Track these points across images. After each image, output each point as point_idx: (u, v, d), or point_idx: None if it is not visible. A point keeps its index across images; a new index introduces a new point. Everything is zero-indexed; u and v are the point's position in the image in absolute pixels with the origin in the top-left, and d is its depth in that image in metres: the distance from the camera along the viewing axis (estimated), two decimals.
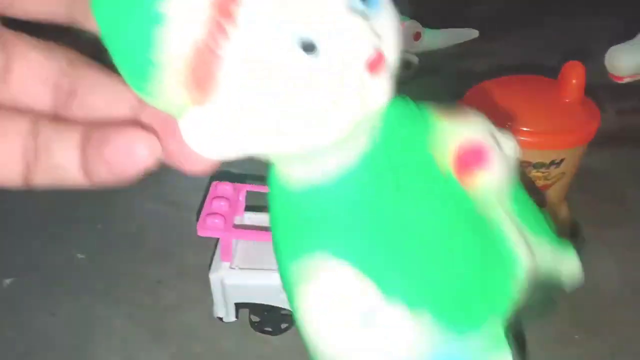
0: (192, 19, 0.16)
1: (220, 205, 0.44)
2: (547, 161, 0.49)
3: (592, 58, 0.51)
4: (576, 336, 0.49)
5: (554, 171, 0.50)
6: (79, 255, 0.58)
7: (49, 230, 0.61)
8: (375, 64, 0.18)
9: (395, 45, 0.19)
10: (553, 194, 0.52)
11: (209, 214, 0.44)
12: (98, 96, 0.20)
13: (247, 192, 0.49)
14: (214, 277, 0.45)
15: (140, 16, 0.16)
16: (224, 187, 0.46)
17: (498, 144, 0.26)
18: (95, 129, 0.18)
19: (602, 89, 0.71)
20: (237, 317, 0.48)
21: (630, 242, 0.58)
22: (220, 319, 0.48)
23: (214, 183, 0.47)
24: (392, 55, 0.19)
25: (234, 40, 0.16)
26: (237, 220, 0.48)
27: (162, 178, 0.68)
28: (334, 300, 0.22)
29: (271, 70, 0.17)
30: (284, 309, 0.47)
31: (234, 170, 0.71)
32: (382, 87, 0.19)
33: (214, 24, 0.16)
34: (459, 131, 0.25)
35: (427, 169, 0.24)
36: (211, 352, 0.48)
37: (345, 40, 0.17)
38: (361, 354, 0.23)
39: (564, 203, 0.57)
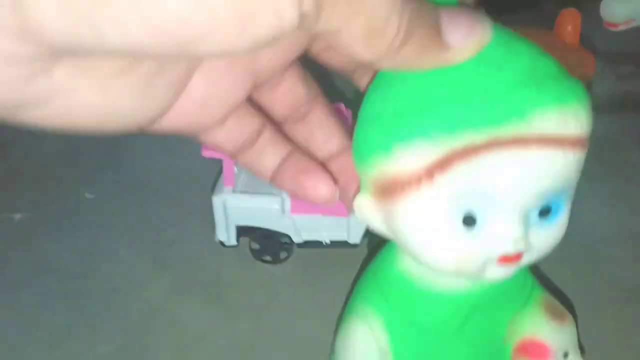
0: (411, 161, 0.22)
1: None
2: None
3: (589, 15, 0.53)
4: (568, 272, 0.50)
5: None
6: (88, 195, 0.60)
7: (59, 173, 0.63)
8: (506, 260, 0.24)
9: (539, 250, 0.25)
10: None
11: None
12: (320, 130, 0.26)
13: None
14: (216, 199, 0.46)
15: (386, 147, 0.23)
16: None
17: (568, 357, 0.30)
18: (301, 154, 0.25)
19: (602, 56, 0.72)
20: (237, 241, 0.49)
21: (622, 194, 0.59)
22: (222, 243, 0.49)
23: None
24: (531, 255, 0.25)
25: (425, 190, 0.23)
26: None
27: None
28: (358, 349, 0.31)
29: (432, 227, 0.24)
30: (284, 239, 0.49)
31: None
32: (503, 272, 0.25)
33: (413, 177, 0.22)
34: (541, 329, 0.30)
35: (496, 331, 0.30)
36: (211, 279, 0.49)
37: (501, 237, 0.24)
38: None
39: None
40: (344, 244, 0.48)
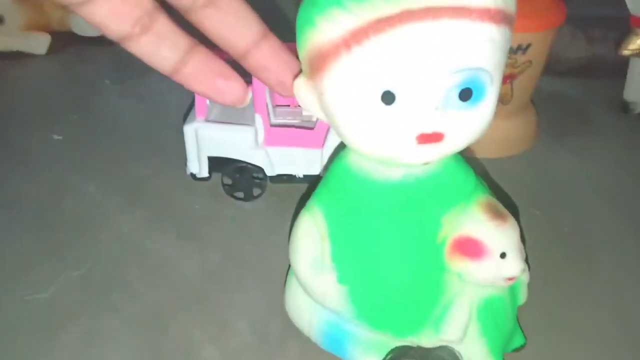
0: (330, 31, 0.24)
1: None
2: (515, 45, 0.51)
3: None
4: (537, 212, 0.51)
5: (520, 57, 0.52)
6: (56, 137, 0.58)
7: (26, 117, 0.62)
8: (424, 139, 0.26)
9: (461, 137, 0.27)
10: (520, 85, 0.54)
11: None
12: (234, 17, 0.25)
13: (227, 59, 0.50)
14: (187, 128, 0.46)
15: (309, 14, 0.25)
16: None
17: (506, 257, 0.30)
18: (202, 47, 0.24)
19: (572, 20, 0.74)
20: (209, 174, 0.49)
21: (591, 147, 0.61)
22: (193, 175, 0.49)
23: None
24: (453, 141, 0.27)
25: (340, 63, 0.24)
26: None
27: (143, 79, 0.69)
28: (302, 236, 0.33)
29: (351, 100, 0.25)
30: (257, 174, 0.48)
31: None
32: (423, 154, 0.27)
33: (333, 47, 0.24)
34: (478, 227, 0.30)
35: (431, 225, 0.31)
36: (183, 213, 0.48)
37: (417, 114, 0.25)
38: (308, 278, 0.33)
39: (530, 104, 0.60)
40: (317, 178, 0.48)
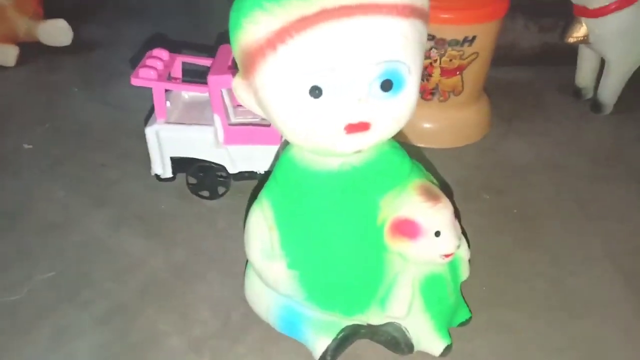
0: (255, 32, 0.27)
1: (154, 63, 0.47)
2: (461, 38, 0.54)
3: None
4: (487, 196, 0.53)
5: (467, 49, 0.55)
6: (26, 146, 0.60)
7: None
8: (352, 128, 0.28)
9: (386, 125, 0.29)
10: (470, 76, 0.57)
11: (142, 67, 0.47)
12: None
13: (183, 62, 0.52)
14: (149, 130, 0.48)
15: (237, 18, 0.28)
16: (160, 51, 0.50)
17: (440, 235, 0.33)
18: None
19: (524, 8, 0.77)
20: (173, 175, 0.50)
21: (542, 132, 0.64)
22: (158, 177, 0.51)
23: (151, 49, 0.50)
24: (379, 129, 0.29)
25: (268, 62, 0.27)
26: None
27: (109, 85, 0.71)
28: (252, 227, 0.35)
29: (282, 96, 0.28)
30: (220, 172, 0.50)
31: (172, 38, 0.74)
32: (352, 143, 0.29)
33: (260, 48, 0.27)
34: (413, 208, 0.32)
35: (370, 209, 0.33)
36: (149, 212, 0.50)
37: (343, 105, 0.28)
38: (260, 266, 0.35)
39: (483, 94, 0.62)
40: (268, 172, 0.50)
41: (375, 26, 0.26)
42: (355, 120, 0.28)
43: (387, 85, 0.28)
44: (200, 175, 0.50)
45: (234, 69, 0.47)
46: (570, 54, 0.68)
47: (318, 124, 0.28)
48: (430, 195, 0.33)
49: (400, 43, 0.27)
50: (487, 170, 0.57)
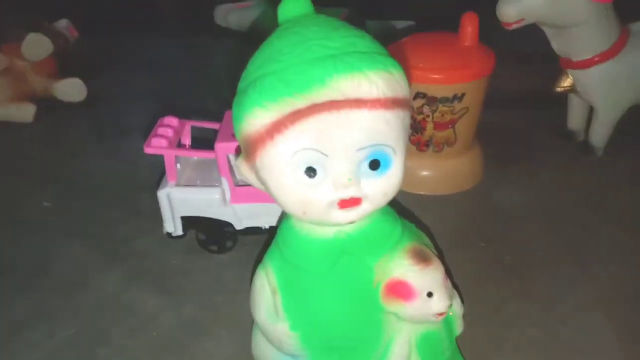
0: (255, 125, 0.30)
1: (165, 131, 0.51)
2: (450, 95, 0.57)
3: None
4: (482, 244, 0.56)
5: (457, 105, 0.58)
6: (45, 204, 0.63)
7: (17, 184, 0.67)
8: (345, 204, 0.31)
9: (375, 199, 0.32)
10: (462, 128, 0.60)
11: (154, 136, 0.50)
12: None
13: (192, 126, 0.55)
14: (161, 193, 0.51)
15: (240, 117, 0.31)
16: (170, 119, 0.53)
17: (433, 296, 0.35)
18: None
19: (513, 56, 0.81)
20: (184, 232, 0.54)
21: (533, 176, 0.66)
22: (169, 234, 0.54)
23: (162, 117, 0.54)
24: (370, 203, 0.32)
25: (267, 148, 0.30)
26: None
27: (121, 140, 0.75)
28: (258, 290, 0.38)
29: (280, 177, 0.31)
30: (227, 227, 0.53)
31: (180, 106, 0.78)
32: (346, 216, 0.32)
33: (259, 137, 0.30)
34: (405, 271, 0.35)
35: (365, 273, 0.36)
36: (160, 269, 0.53)
37: (335, 184, 0.31)
38: (265, 327, 0.38)
39: (476, 142, 0.65)
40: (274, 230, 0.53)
41: (361, 117, 0.30)
42: (347, 196, 0.31)
43: (375, 165, 0.31)
44: (209, 232, 0.53)
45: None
46: (560, 97, 0.71)
47: (314, 200, 0.31)
48: (421, 258, 0.36)
49: (384, 130, 0.30)
50: (481, 218, 0.60)
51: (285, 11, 0.34)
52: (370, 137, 0.30)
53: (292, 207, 0.32)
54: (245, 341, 0.44)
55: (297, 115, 0.29)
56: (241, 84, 0.32)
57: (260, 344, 0.41)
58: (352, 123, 0.30)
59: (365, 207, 0.32)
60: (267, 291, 0.37)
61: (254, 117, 0.30)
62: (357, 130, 0.30)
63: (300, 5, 0.34)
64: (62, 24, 0.97)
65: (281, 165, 0.30)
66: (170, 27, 1.18)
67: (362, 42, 0.31)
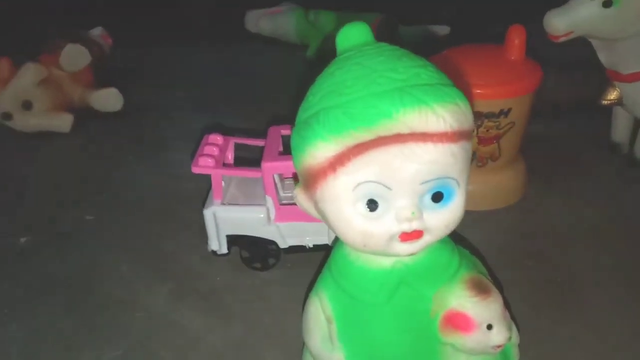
0: (318, 158, 0.30)
1: (211, 150, 0.51)
2: (497, 110, 0.56)
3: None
4: (529, 263, 0.55)
5: (503, 120, 0.57)
6: (88, 217, 0.64)
7: (60, 199, 0.68)
8: (406, 237, 0.31)
9: (437, 231, 0.32)
10: (506, 143, 0.59)
11: (201, 155, 0.50)
12: None
13: (235, 143, 0.55)
14: (207, 212, 0.51)
15: (302, 149, 0.31)
16: (215, 137, 0.53)
17: (492, 328, 0.35)
18: None
19: (557, 65, 0.79)
20: (228, 250, 0.54)
21: (580, 190, 0.65)
22: (214, 252, 0.54)
23: (207, 135, 0.54)
24: (431, 235, 0.32)
25: (328, 180, 0.30)
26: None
27: (161, 151, 0.75)
28: (312, 317, 0.38)
29: (342, 209, 0.31)
30: (271, 246, 0.53)
31: (225, 124, 0.79)
32: (407, 248, 0.32)
33: (321, 169, 0.30)
34: (464, 303, 0.35)
35: (423, 304, 0.35)
36: (206, 286, 0.53)
37: (398, 218, 0.31)
38: (320, 356, 0.38)
39: (519, 156, 0.64)
40: (325, 247, 0.53)
41: (427, 151, 0.29)
42: (409, 229, 0.31)
43: (438, 197, 0.31)
44: (253, 250, 0.53)
45: (283, 154, 0.50)
46: (602, 107, 0.70)
47: (375, 233, 0.31)
48: (480, 290, 0.35)
49: (450, 163, 0.30)
50: (527, 235, 0.59)
51: (345, 39, 0.33)
52: (435, 171, 0.30)
53: (352, 239, 0.32)
54: None
55: (361, 149, 0.29)
56: (302, 115, 0.32)
57: None
58: (417, 157, 0.29)
59: (426, 239, 0.32)
60: (322, 319, 0.37)
61: (317, 150, 0.30)
62: (423, 164, 0.29)
63: (361, 34, 0.33)
64: (97, 31, 0.99)
65: (343, 197, 0.30)
66: (202, 34, 1.18)
67: (426, 72, 0.31)
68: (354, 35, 0.33)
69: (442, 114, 0.29)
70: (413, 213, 0.30)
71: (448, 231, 0.33)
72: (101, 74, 0.90)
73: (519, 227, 0.60)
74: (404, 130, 0.29)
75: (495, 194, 0.62)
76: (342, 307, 0.36)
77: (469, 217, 0.60)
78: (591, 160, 0.70)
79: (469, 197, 0.63)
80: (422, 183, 0.30)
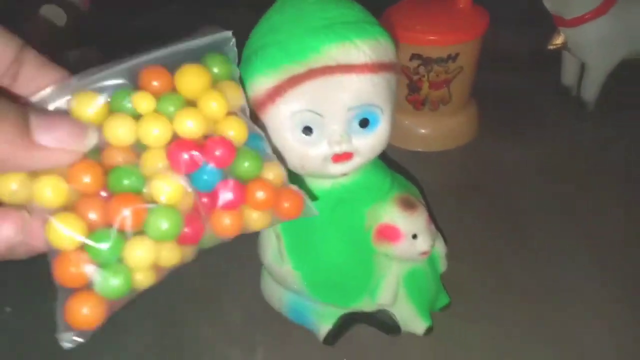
0: (259, 90, 0.34)
1: None
2: (445, 56, 0.60)
3: None
4: (475, 194, 0.60)
5: (451, 65, 0.61)
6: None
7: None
8: (338, 158, 0.36)
9: (365, 153, 0.37)
10: (456, 87, 0.64)
11: None
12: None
13: None
14: None
15: (245, 79, 0.35)
16: None
17: (417, 237, 0.40)
18: None
19: (509, 16, 0.83)
20: None
21: (529, 133, 0.70)
22: None
23: None
24: (360, 156, 0.36)
25: (269, 110, 0.35)
26: None
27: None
28: (264, 236, 0.43)
29: (282, 135, 0.35)
30: None
31: None
32: (340, 168, 0.37)
33: (262, 100, 0.34)
34: (393, 217, 0.40)
35: (358, 219, 0.41)
36: None
37: (329, 141, 0.35)
38: (272, 269, 0.43)
39: (472, 100, 0.69)
40: None
41: (351, 81, 0.34)
42: (340, 151, 0.36)
43: (364, 123, 0.35)
44: None
45: None
46: (556, 57, 0.74)
47: (311, 155, 0.36)
48: (407, 206, 0.40)
49: (372, 91, 0.34)
50: (474, 171, 0.64)
51: None
52: (359, 98, 0.34)
53: (292, 162, 0.37)
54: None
55: (295, 80, 0.34)
56: (245, 52, 0.36)
57: (267, 284, 0.47)
58: (343, 86, 0.34)
59: (356, 161, 0.37)
60: (272, 236, 0.42)
61: (258, 84, 0.34)
62: (348, 92, 0.34)
63: None
64: None
65: (282, 124, 0.35)
66: None
67: (352, 12, 0.35)
68: None
69: (363, 48, 0.34)
70: (342, 136, 0.35)
71: (375, 153, 0.38)
72: (80, 36, 0.92)
73: (467, 165, 0.65)
74: (331, 62, 0.33)
75: (446, 135, 0.67)
76: (289, 224, 0.41)
77: (422, 156, 0.66)
78: (542, 106, 0.75)
79: (423, 139, 0.68)
80: (349, 109, 0.34)
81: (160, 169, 0.24)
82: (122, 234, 0.23)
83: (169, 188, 0.24)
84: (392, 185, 0.42)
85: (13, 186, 0.22)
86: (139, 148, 0.25)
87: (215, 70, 0.28)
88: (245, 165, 0.27)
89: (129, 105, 0.24)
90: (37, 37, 0.87)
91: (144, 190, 0.24)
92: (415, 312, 0.43)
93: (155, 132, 0.24)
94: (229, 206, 0.26)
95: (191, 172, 0.25)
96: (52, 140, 0.21)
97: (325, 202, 0.40)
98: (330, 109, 0.34)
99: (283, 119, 0.34)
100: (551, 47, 0.68)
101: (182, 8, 1.12)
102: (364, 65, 0.34)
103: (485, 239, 0.54)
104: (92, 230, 0.23)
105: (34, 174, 0.22)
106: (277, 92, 0.34)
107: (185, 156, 0.25)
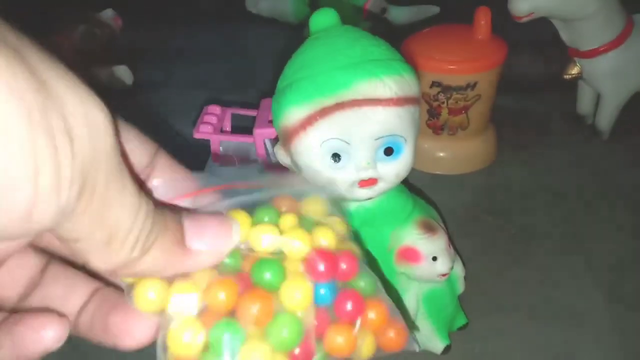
0: (292, 119, 0.38)
1: (210, 118, 0.59)
2: (464, 84, 0.63)
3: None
4: (489, 218, 0.62)
5: (470, 93, 0.64)
6: None
7: None
8: (364, 184, 0.38)
9: (389, 179, 0.39)
10: (474, 113, 0.66)
11: (202, 123, 0.58)
12: (57, 287, 0.22)
13: (232, 113, 0.63)
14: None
15: (279, 113, 0.39)
16: (214, 108, 0.61)
17: (437, 260, 0.43)
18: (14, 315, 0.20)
19: (529, 43, 0.85)
20: None
21: (544, 159, 0.72)
22: None
23: (206, 106, 0.61)
24: (385, 182, 0.39)
25: (300, 138, 0.37)
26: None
27: (165, 125, 0.83)
28: None
29: (312, 161, 0.38)
30: None
31: (224, 98, 0.86)
32: (365, 193, 0.39)
33: (294, 129, 0.38)
34: (414, 239, 0.43)
35: (381, 241, 0.43)
36: None
37: (357, 167, 0.38)
38: None
39: (490, 125, 0.71)
40: None
41: (377, 113, 0.37)
42: (366, 177, 0.38)
43: (389, 152, 0.38)
44: None
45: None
46: (572, 83, 0.76)
47: (339, 179, 0.38)
48: (427, 229, 0.43)
49: (396, 123, 0.37)
50: (490, 195, 0.66)
51: (316, 23, 0.41)
52: (384, 129, 0.37)
53: (320, 185, 0.39)
54: None
55: (325, 112, 0.37)
56: (280, 85, 0.40)
57: None
58: (370, 118, 0.37)
59: (381, 186, 0.39)
60: None
61: (291, 114, 0.37)
62: (374, 124, 0.37)
63: (328, 18, 0.40)
64: (108, 14, 1.06)
65: (312, 151, 0.38)
66: (203, 14, 1.25)
67: (378, 50, 0.38)
68: (322, 20, 0.40)
69: (389, 84, 0.36)
70: (368, 163, 0.38)
71: (398, 179, 0.40)
72: (111, 54, 0.97)
73: (483, 188, 0.67)
74: (358, 96, 0.36)
75: (464, 159, 0.69)
76: None
77: (441, 179, 0.68)
78: (558, 131, 0.77)
79: (441, 163, 0.71)
80: (376, 139, 0.37)
81: (294, 274, 0.23)
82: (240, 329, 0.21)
83: (300, 295, 0.23)
84: (413, 208, 0.44)
85: (151, 295, 0.21)
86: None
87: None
88: (362, 285, 0.26)
89: (267, 219, 0.24)
90: (69, 53, 0.92)
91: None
92: (434, 331, 0.45)
93: (297, 244, 0.23)
94: (349, 316, 0.24)
95: (322, 282, 0.23)
96: (203, 244, 0.20)
97: (350, 223, 0.42)
98: (357, 138, 0.37)
99: (314, 145, 0.37)
100: (567, 76, 0.71)
101: (210, 26, 1.17)
102: (390, 100, 0.37)
103: (496, 260, 0.56)
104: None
105: (168, 280, 0.21)
106: (308, 121, 0.37)
107: (322, 266, 0.23)
